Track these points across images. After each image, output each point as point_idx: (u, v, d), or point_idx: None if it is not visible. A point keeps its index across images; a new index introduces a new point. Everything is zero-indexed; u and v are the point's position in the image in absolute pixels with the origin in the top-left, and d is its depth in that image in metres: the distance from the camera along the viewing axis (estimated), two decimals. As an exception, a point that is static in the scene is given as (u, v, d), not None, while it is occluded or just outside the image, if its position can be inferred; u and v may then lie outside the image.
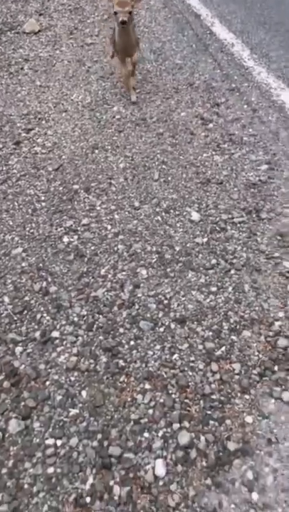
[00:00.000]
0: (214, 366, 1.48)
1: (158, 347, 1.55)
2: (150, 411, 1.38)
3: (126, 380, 1.46)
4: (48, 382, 1.47)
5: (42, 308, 1.71)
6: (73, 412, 1.39)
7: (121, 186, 2.29)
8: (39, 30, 4.28)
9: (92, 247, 1.95)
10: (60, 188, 2.30)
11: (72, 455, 1.29)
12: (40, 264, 1.89)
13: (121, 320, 1.65)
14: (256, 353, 1.51)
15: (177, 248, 1.92)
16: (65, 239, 2.00)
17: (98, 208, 2.16)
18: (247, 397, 1.39)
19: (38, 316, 1.68)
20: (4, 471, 1.26)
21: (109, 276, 1.82)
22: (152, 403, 1.40)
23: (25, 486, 1.23)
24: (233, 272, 1.80)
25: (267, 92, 2.96)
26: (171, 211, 2.11)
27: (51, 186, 2.32)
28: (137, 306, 1.70)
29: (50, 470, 1.26)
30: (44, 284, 1.80)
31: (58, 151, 2.58)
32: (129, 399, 1.41)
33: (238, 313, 1.64)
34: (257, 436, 1.30)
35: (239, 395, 1.40)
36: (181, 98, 2.97)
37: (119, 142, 2.61)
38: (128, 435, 1.33)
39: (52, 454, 1.29)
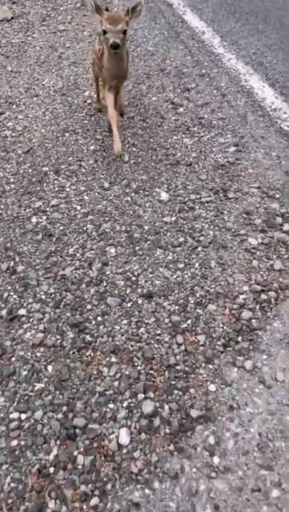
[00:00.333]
0: (180, 338, 1.50)
1: (125, 322, 1.56)
2: (116, 383, 1.39)
3: (92, 354, 1.47)
4: (13, 359, 1.47)
5: (9, 287, 1.70)
6: (39, 386, 1.39)
7: (91, 168, 2.28)
8: (12, 18, 4.20)
9: (61, 227, 1.94)
10: (30, 171, 2.27)
11: (37, 428, 1.29)
12: (8, 244, 1.87)
13: (89, 297, 1.65)
14: (221, 325, 1.53)
15: (146, 227, 1.93)
16: (34, 219, 1.99)
17: (68, 190, 2.15)
18: (211, 366, 1.42)
19: (5, 294, 1.67)
20: None
21: (78, 255, 1.82)
22: (118, 375, 1.40)
23: (-12, 458, 1.22)
24: (200, 249, 1.82)
25: (236, 77, 2.98)
26: (141, 192, 2.12)
27: (20, 169, 2.29)
28: (104, 284, 1.70)
29: (14, 443, 1.26)
30: (12, 263, 1.79)
31: (28, 134, 2.55)
32: (95, 372, 1.42)
33: (204, 288, 1.66)
34: (219, 403, 1.32)
35: (203, 365, 1.42)
36: (153, 83, 2.96)
37: (90, 126, 2.60)
38: (93, 407, 1.33)
39: (16, 428, 1.29)
